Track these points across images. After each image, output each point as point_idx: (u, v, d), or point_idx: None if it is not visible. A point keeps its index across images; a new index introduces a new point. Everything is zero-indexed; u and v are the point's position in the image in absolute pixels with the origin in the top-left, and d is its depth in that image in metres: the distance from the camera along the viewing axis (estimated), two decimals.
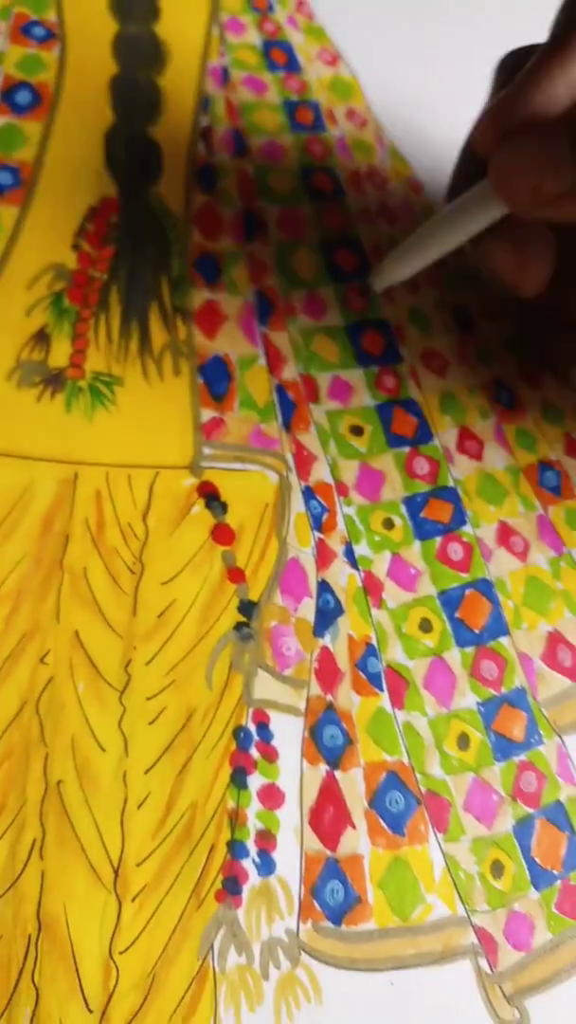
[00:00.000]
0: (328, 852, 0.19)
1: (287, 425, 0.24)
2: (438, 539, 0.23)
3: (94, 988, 0.17)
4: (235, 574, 0.21)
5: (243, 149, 0.28)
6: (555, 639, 0.23)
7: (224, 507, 0.22)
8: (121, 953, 0.17)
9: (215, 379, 0.24)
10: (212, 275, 0.26)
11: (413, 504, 0.23)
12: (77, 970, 0.17)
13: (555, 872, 0.20)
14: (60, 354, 0.23)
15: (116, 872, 0.18)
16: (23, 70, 0.28)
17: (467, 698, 0.21)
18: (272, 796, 0.19)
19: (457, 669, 0.21)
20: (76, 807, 0.18)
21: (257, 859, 0.18)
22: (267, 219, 0.27)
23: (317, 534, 0.22)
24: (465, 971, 0.18)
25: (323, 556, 0.22)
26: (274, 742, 0.19)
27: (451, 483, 0.24)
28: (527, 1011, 0.18)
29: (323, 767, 0.19)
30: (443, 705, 0.21)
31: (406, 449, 0.24)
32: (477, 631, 0.22)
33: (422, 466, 0.24)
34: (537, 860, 0.20)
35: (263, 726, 0.20)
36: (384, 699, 0.21)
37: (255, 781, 0.19)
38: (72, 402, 0.23)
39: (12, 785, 0.18)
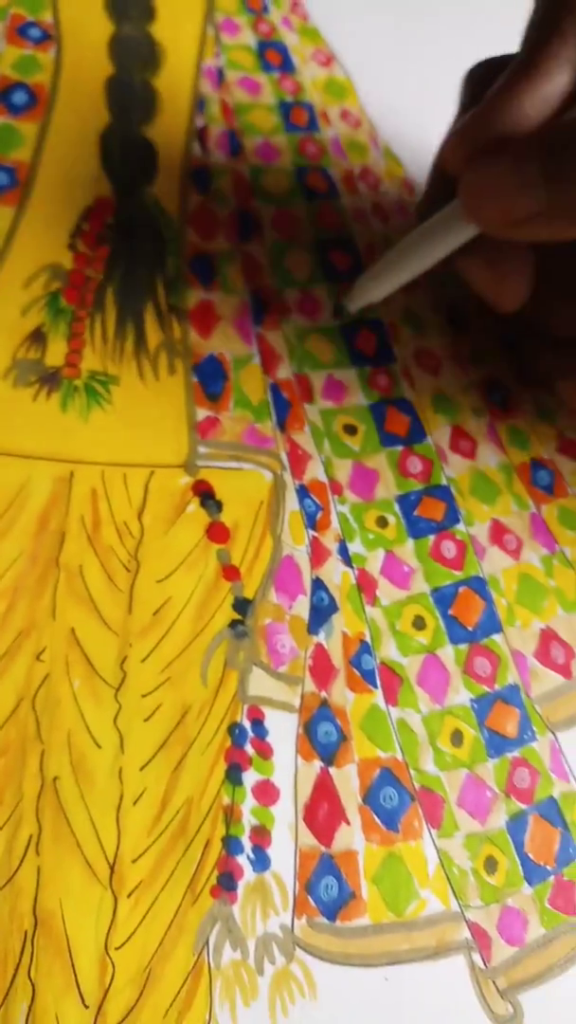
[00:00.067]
0: (322, 848, 0.19)
1: (281, 424, 0.24)
2: (431, 537, 0.23)
3: (90, 984, 0.17)
4: (230, 572, 0.21)
5: (238, 150, 0.29)
6: (548, 636, 0.23)
7: (219, 505, 0.22)
8: (117, 949, 0.17)
9: (210, 378, 0.24)
10: (207, 275, 0.26)
11: (406, 502, 0.24)
12: (73, 966, 0.17)
13: (548, 868, 0.20)
14: (56, 353, 0.23)
15: (112, 868, 0.18)
16: (19, 71, 0.28)
17: (460, 695, 0.21)
18: (267, 792, 0.19)
19: (450, 666, 0.22)
20: (72, 803, 0.18)
21: (252, 855, 0.18)
22: (262, 219, 0.27)
23: (311, 532, 0.22)
24: (459, 966, 0.18)
25: (317, 554, 0.22)
26: (269, 739, 0.20)
27: (444, 482, 0.24)
28: (520, 1005, 0.18)
29: (317, 763, 0.20)
30: (437, 702, 0.21)
31: (399, 448, 0.24)
32: (470, 628, 0.22)
33: (415, 465, 0.24)
34: (530, 856, 0.20)
35: (258, 723, 0.20)
36: (378, 696, 0.21)
37: (250, 777, 0.19)
38: (68, 401, 0.23)
39: (8, 781, 0.18)
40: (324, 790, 0.19)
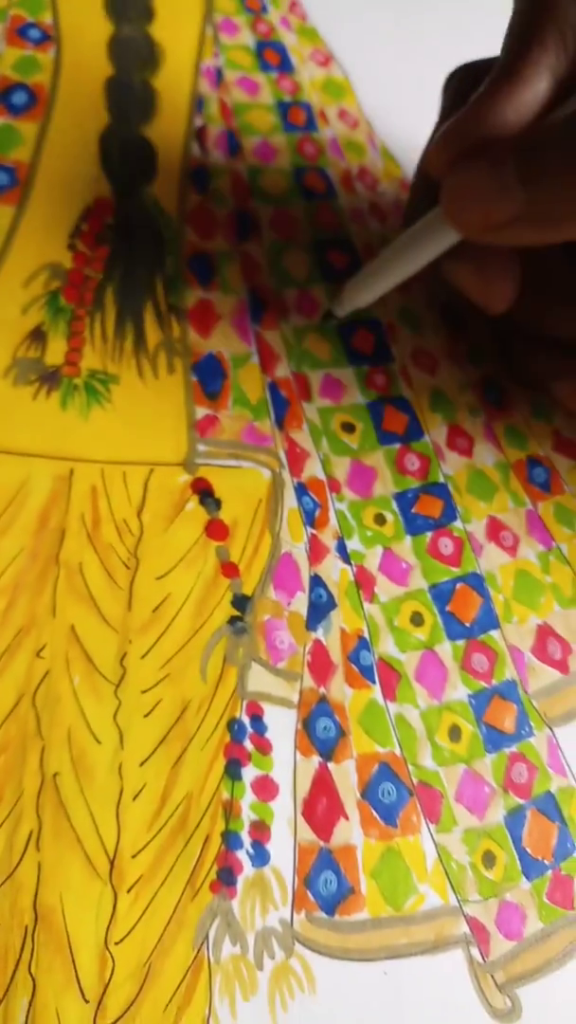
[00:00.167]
0: (321, 843, 0.19)
1: (280, 422, 0.24)
2: (429, 534, 0.23)
3: (90, 978, 0.17)
4: (229, 569, 0.21)
5: (236, 149, 0.29)
6: (545, 632, 0.23)
7: (218, 503, 0.22)
8: (117, 944, 0.17)
9: (209, 377, 0.24)
10: (206, 274, 0.26)
11: (404, 500, 0.24)
12: (73, 961, 0.17)
13: (546, 862, 0.20)
14: (56, 352, 0.23)
15: (112, 863, 0.18)
16: (19, 71, 0.28)
17: (458, 690, 0.21)
18: (266, 787, 0.19)
19: (448, 662, 0.22)
20: (72, 799, 0.18)
21: (251, 850, 0.18)
22: (260, 219, 0.27)
23: (310, 530, 0.23)
24: (457, 960, 0.19)
25: (316, 551, 0.22)
26: (268, 734, 0.20)
27: (442, 479, 0.24)
28: (519, 1000, 0.18)
29: (316, 759, 0.20)
30: (434, 697, 0.21)
31: (397, 446, 0.25)
32: (468, 624, 0.22)
33: (413, 462, 0.24)
34: (528, 850, 0.20)
35: (257, 718, 0.20)
36: (376, 691, 0.21)
37: (249, 773, 0.19)
38: (68, 400, 0.23)
39: (9, 777, 0.18)
40: (323, 785, 0.19)
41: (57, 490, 0.21)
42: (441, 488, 0.24)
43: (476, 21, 0.34)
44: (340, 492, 0.23)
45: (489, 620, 0.23)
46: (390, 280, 0.22)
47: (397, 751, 0.20)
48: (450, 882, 0.19)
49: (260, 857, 0.18)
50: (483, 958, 0.19)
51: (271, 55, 0.31)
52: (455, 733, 0.21)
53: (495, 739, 0.21)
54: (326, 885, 0.18)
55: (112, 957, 0.17)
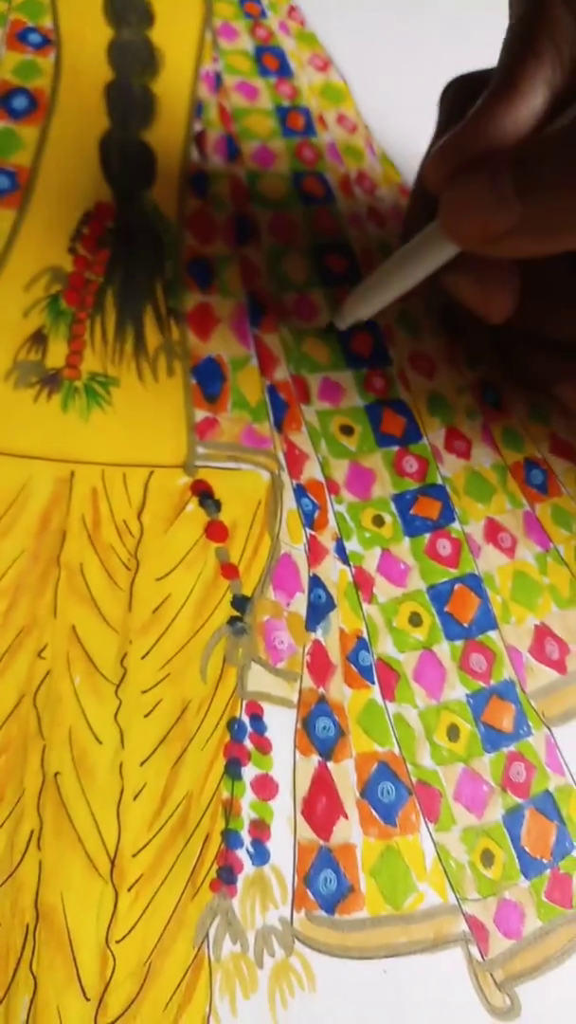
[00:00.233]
0: (321, 842, 0.19)
1: (279, 425, 0.24)
2: (427, 535, 0.24)
3: (91, 977, 0.17)
4: (228, 570, 0.21)
5: (235, 154, 0.29)
6: (542, 632, 0.23)
7: (217, 505, 0.22)
8: (118, 942, 0.17)
9: (208, 380, 0.24)
10: (205, 278, 0.26)
11: (402, 501, 0.24)
12: (74, 959, 0.17)
13: (544, 861, 0.20)
14: (57, 355, 0.23)
15: (112, 862, 0.18)
16: (20, 76, 0.28)
17: (456, 690, 0.22)
18: (266, 786, 0.19)
19: (447, 662, 0.22)
20: (73, 798, 0.18)
21: (251, 849, 0.19)
22: (259, 223, 0.28)
23: (309, 531, 0.23)
24: (456, 959, 0.19)
25: (315, 552, 0.22)
26: (267, 734, 0.20)
27: (440, 481, 0.25)
28: (518, 998, 0.19)
29: (316, 758, 0.20)
30: (433, 697, 0.21)
31: (395, 448, 0.25)
32: (466, 625, 0.22)
33: (411, 464, 0.25)
34: (527, 849, 0.20)
35: (257, 718, 0.20)
36: (375, 691, 0.21)
37: (249, 772, 0.19)
38: (68, 402, 0.23)
39: (10, 777, 0.18)
40: (322, 784, 0.20)
41: (58, 492, 0.21)
42: (439, 490, 0.24)
43: (474, 26, 0.34)
44: (339, 494, 0.24)
45: (487, 621, 0.23)
46: (390, 293, 0.23)
47: (396, 750, 0.20)
48: (449, 881, 0.19)
49: (260, 856, 0.19)
50: (482, 956, 0.19)
51: (270, 60, 0.32)
52: (453, 732, 0.21)
53: (493, 738, 0.21)
54: (326, 884, 0.19)
55: (113, 955, 0.17)
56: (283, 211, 0.28)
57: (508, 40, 0.20)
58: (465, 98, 0.20)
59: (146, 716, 0.19)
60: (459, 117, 0.20)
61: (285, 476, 0.23)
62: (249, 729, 0.20)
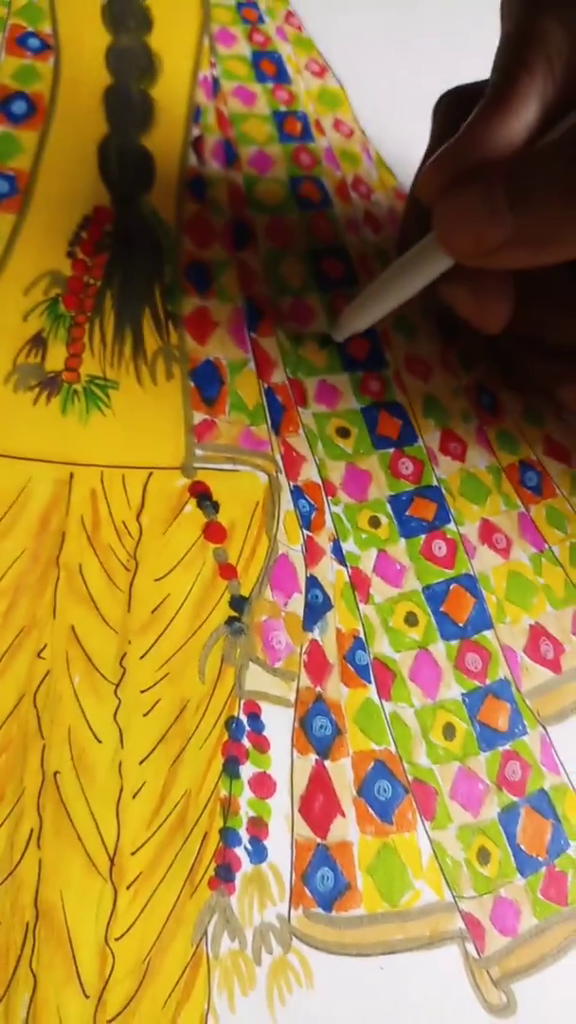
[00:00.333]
0: (318, 839, 0.19)
1: (276, 427, 0.24)
2: (423, 536, 0.24)
3: (90, 974, 0.17)
4: (226, 570, 0.22)
5: (233, 159, 0.29)
6: (537, 632, 0.23)
7: (216, 506, 0.22)
8: (117, 940, 0.17)
9: (206, 383, 0.24)
10: (203, 282, 0.26)
11: (398, 503, 0.24)
12: (74, 957, 0.17)
13: (540, 859, 0.20)
14: (56, 358, 0.24)
15: (112, 860, 0.18)
16: (19, 80, 0.29)
17: (452, 689, 0.22)
18: (264, 785, 0.19)
19: (442, 661, 0.22)
20: (73, 797, 0.18)
21: (249, 846, 0.19)
22: (256, 228, 0.28)
23: (306, 532, 0.23)
24: (453, 956, 0.19)
25: (312, 553, 0.23)
26: (265, 732, 0.20)
27: (435, 482, 0.25)
28: (514, 995, 0.19)
29: (313, 756, 0.20)
30: (429, 696, 0.22)
31: (391, 450, 0.25)
32: (461, 624, 0.23)
33: (407, 466, 0.25)
34: (522, 847, 0.20)
35: (254, 717, 0.20)
36: (372, 690, 0.21)
37: (247, 770, 0.19)
38: (68, 405, 0.23)
39: (10, 776, 0.18)
40: (319, 782, 0.20)
41: (57, 493, 0.22)
42: (435, 491, 0.25)
43: (471, 32, 0.34)
44: (336, 495, 0.24)
45: (482, 620, 0.23)
46: (386, 306, 0.23)
47: (392, 749, 0.21)
48: (445, 878, 0.19)
49: (258, 853, 0.19)
50: (478, 953, 0.19)
51: (267, 65, 0.32)
52: (449, 731, 0.21)
53: (489, 737, 0.21)
54: (323, 881, 0.19)
55: (112, 953, 0.17)
56: (280, 215, 0.28)
57: (500, 54, 0.20)
58: (458, 111, 0.20)
59: (145, 715, 0.19)
60: (452, 130, 0.20)
61: (282, 478, 0.23)
62: (247, 728, 0.20)
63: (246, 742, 0.20)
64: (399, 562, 0.23)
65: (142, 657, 0.20)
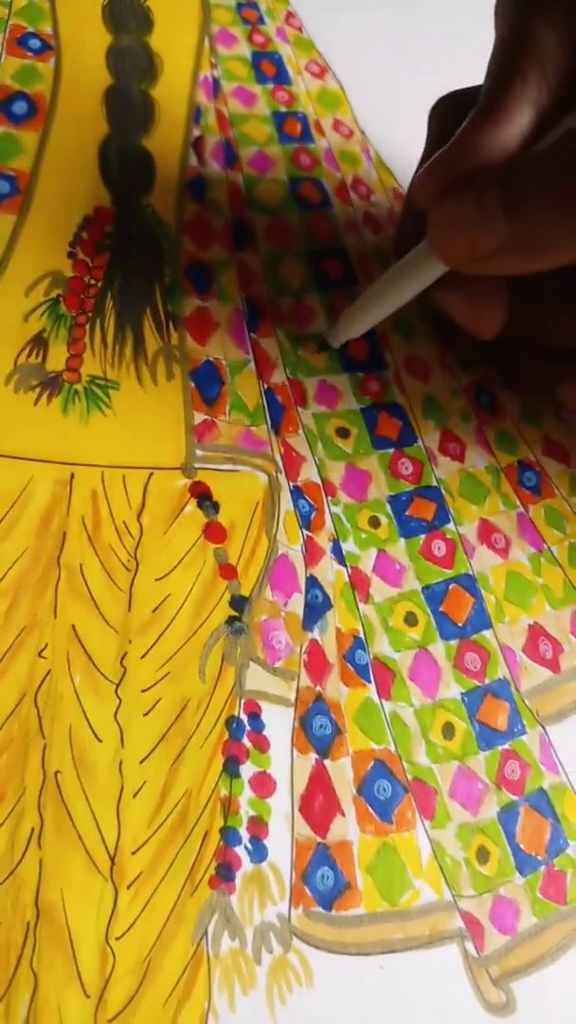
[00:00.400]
0: (318, 838, 0.19)
1: (276, 428, 0.24)
2: (422, 536, 0.24)
3: (91, 974, 0.17)
4: (227, 570, 0.22)
5: (233, 160, 0.29)
6: (536, 632, 0.23)
7: (216, 506, 0.23)
8: (117, 939, 0.17)
9: (207, 383, 0.24)
10: (203, 283, 0.26)
11: (398, 503, 0.24)
12: (74, 956, 0.17)
13: (539, 858, 0.20)
14: (57, 358, 0.24)
15: (112, 860, 0.18)
16: (19, 81, 0.29)
17: (451, 689, 0.22)
18: (264, 784, 0.19)
19: (441, 661, 0.22)
20: (73, 796, 0.18)
21: (249, 846, 0.19)
22: (256, 229, 0.28)
23: (306, 532, 0.23)
24: (453, 955, 0.19)
25: (312, 553, 0.23)
26: (265, 732, 0.20)
27: (434, 483, 0.25)
28: (513, 993, 0.19)
29: (313, 756, 0.20)
30: (428, 695, 0.22)
31: (391, 451, 0.25)
32: (460, 624, 0.23)
33: (406, 467, 0.25)
34: (521, 846, 0.20)
35: (255, 716, 0.20)
36: (371, 690, 0.21)
37: (247, 770, 0.19)
38: (69, 405, 0.23)
39: (11, 775, 0.18)
40: (319, 782, 0.20)
41: (58, 493, 0.22)
42: (434, 491, 0.25)
43: (471, 34, 0.35)
44: (335, 495, 0.24)
45: (481, 620, 0.23)
46: (381, 311, 0.23)
47: (392, 748, 0.21)
48: (444, 877, 0.20)
49: (258, 853, 0.19)
50: (478, 952, 0.19)
51: (267, 66, 0.32)
52: (448, 731, 0.21)
53: (488, 737, 0.21)
54: (323, 880, 0.19)
55: (113, 952, 0.17)
56: (280, 216, 0.28)
57: (494, 59, 0.20)
58: (454, 116, 0.20)
59: (146, 715, 0.19)
60: (448, 135, 0.20)
61: (282, 478, 0.23)
62: (247, 727, 0.20)
63: (246, 741, 0.20)
64: (399, 562, 0.23)
65: (143, 656, 0.20)
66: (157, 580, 0.21)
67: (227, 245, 0.27)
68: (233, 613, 0.21)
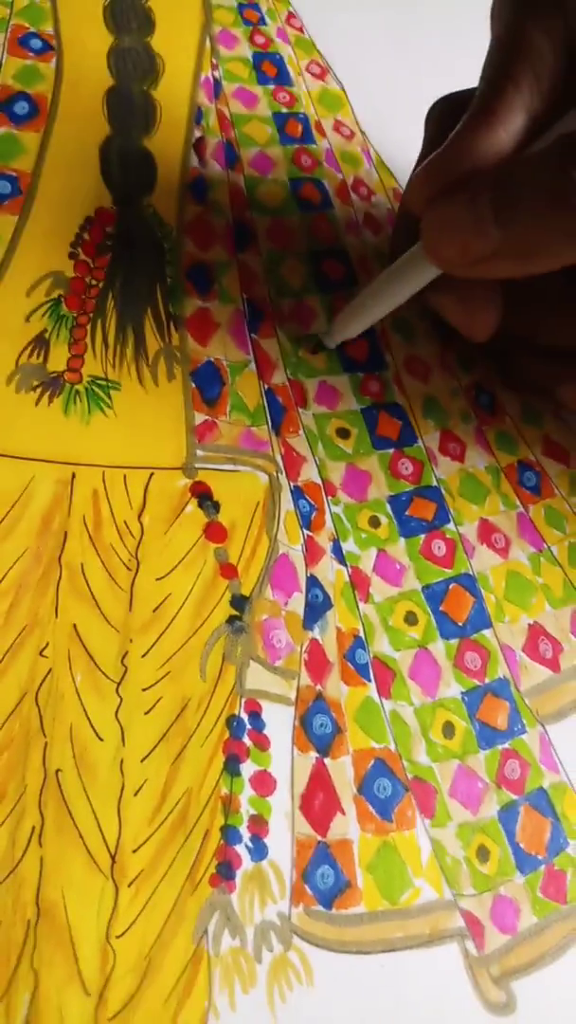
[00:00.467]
0: (318, 837, 0.19)
1: (277, 428, 0.24)
2: (422, 536, 0.24)
3: (92, 972, 0.17)
4: (227, 570, 0.22)
5: (234, 161, 0.29)
6: (536, 631, 0.23)
7: (216, 506, 0.23)
8: (118, 937, 0.17)
9: (207, 384, 0.24)
10: (204, 284, 0.26)
11: (398, 503, 0.24)
12: (75, 955, 0.17)
13: (539, 857, 0.20)
14: (58, 359, 0.24)
15: (113, 858, 0.18)
16: (21, 81, 0.29)
17: (452, 688, 0.22)
18: (264, 783, 0.19)
19: (442, 660, 0.22)
20: (74, 795, 0.18)
21: (250, 844, 0.19)
22: (257, 230, 0.28)
23: (306, 532, 0.23)
24: (453, 954, 0.19)
25: (312, 553, 0.23)
26: (266, 731, 0.20)
27: (434, 483, 0.25)
28: (513, 993, 0.19)
29: (313, 755, 0.20)
30: (428, 694, 0.22)
31: (391, 451, 0.25)
32: (461, 624, 0.23)
33: (406, 467, 0.25)
34: (522, 845, 0.20)
35: (255, 715, 0.20)
36: (371, 689, 0.21)
37: (248, 768, 0.19)
38: (70, 405, 0.23)
39: (12, 774, 0.18)
40: (320, 780, 0.20)
41: (59, 493, 0.22)
42: (434, 491, 0.25)
43: (471, 34, 0.35)
44: (336, 495, 0.24)
45: (481, 620, 0.23)
46: (376, 313, 0.23)
47: (392, 747, 0.21)
48: (445, 876, 0.20)
49: (259, 851, 0.19)
50: (478, 951, 0.19)
51: (268, 67, 0.32)
52: (449, 730, 0.21)
53: (488, 736, 0.21)
54: (323, 879, 0.19)
55: (113, 951, 0.17)
56: (281, 217, 0.28)
57: (487, 64, 0.20)
58: (450, 119, 0.20)
59: (146, 713, 0.20)
60: (443, 138, 0.20)
61: (283, 478, 0.24)
62: (248, 726, 0.20)
63: (247, 740, 0.20)
64: (399, 562, 0.23)
65: (144, 655, 0.20)
66: (158, 579, 0.21)
67: (228, 246, 0.27)
68: (234, 612, 0.21)
